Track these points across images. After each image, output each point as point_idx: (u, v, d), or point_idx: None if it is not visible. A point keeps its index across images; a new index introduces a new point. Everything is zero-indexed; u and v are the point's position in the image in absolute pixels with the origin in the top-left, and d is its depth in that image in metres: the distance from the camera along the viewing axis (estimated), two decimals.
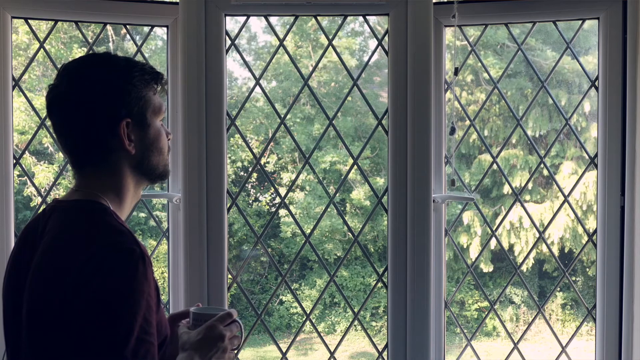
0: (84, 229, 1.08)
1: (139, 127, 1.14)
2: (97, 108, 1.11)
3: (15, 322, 1.11)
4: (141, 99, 1.14)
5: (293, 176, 10.37)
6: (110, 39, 10.02)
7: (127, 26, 2.11)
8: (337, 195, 10.31)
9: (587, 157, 2.20)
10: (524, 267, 9.96)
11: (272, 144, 10.51)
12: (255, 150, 10.68)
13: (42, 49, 2.09)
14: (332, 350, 2.20)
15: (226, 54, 2.06)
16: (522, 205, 2.42)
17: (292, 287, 9.93)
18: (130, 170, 1.16)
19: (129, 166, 1.16)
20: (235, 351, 1.25)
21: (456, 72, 2.06)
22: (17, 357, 1.11)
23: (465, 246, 10.18)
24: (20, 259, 1.15)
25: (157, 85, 1.18)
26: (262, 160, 10.49)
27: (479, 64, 9.84)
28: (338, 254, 10.50)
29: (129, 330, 1.00)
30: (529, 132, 10.12)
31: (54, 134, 1.17)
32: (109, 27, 9.07)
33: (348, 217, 10.59)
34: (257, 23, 11.81)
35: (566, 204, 2.22)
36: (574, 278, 10.30)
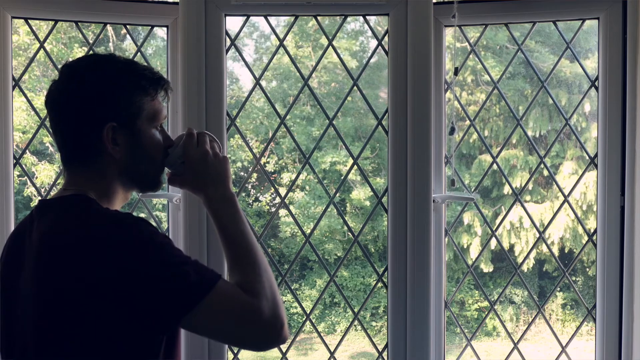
0: (84, 214, 1.07)
1: (127, 132, 1.13)
2: (86, 108, 1.11)
3: (8, 321, 1.12)
4: (132, 105, 1.12)
5: (293, 176, 10.37)
6: (111, 39, 10.02)
7: (127, 26, 2.11)
8: (337, 195, 10.30)
9: (587, 157, 2.19)
10: (524, 267, 9.95)
11: (272, 144, 10.51)
12: (255, 150, 10.67)
13: (42, 49, 2.09)
14: (332, 350, 2.20)
15: (226, 54, 2.06)
16: (522, 206, 2.41)
17: (292, 287, 9.91)
18: (117, 175, 1.15)
19: (117, 171, 1.14)
20: (222, 153, 1.23)
21: (456, 72, 2.06)
22: (11, 352, 1.12)
23: (465, 246, 10.19)
24: (11, 260, 1.14)
25: (157, 92, 1.16)
26: (262, 160, 10.49)
27: (478, 66, 9.85)
28: (338, 254, 10.50)
29: (186, 261, 1.09)
30: (529, 133, 10.12)
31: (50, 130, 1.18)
32: (109, 27, 9.07)
33: (348, 217, 10.59)
34: (266, 23, 11.80)
35: (566, 204, 2.22)
36: (574, 278, 10.30)
